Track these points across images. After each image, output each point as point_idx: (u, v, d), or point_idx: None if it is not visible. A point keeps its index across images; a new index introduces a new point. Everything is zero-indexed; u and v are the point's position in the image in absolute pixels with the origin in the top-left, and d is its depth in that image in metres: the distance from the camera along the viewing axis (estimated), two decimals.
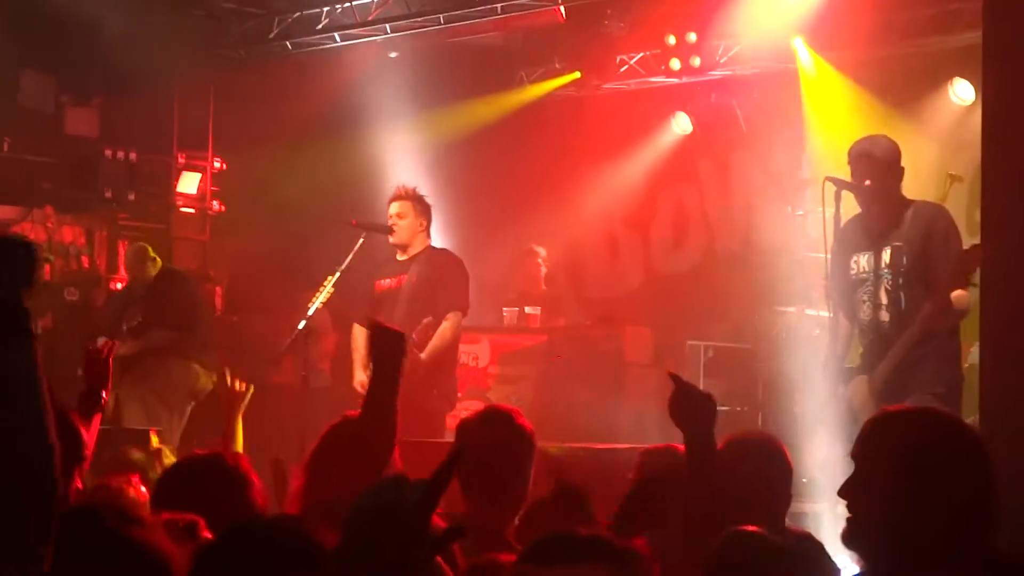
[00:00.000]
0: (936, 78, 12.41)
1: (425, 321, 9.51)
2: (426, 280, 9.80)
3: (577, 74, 14.19)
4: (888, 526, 3.62)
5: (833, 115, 12.45)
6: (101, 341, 12.10)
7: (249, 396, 6.70)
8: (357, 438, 4.94)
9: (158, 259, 12.14)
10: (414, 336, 9.40)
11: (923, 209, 8.19)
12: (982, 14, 6.37)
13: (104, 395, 6.33)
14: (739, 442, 5.53)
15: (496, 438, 5.36)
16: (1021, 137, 6.00)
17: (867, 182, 8.02)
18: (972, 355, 8.42)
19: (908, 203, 8.15)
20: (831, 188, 8.07)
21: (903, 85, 12.40)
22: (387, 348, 5.01)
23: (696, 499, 4.43)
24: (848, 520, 3.73)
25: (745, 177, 13.85)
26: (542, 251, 13.62)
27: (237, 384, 6.68)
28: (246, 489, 4.73)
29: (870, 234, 8.18)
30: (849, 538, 3.73)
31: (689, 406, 4.60)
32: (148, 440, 9.82)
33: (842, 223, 8.23)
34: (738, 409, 12.03)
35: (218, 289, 13.99)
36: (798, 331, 11.74)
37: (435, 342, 9.59)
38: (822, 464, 8.62)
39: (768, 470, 5.38)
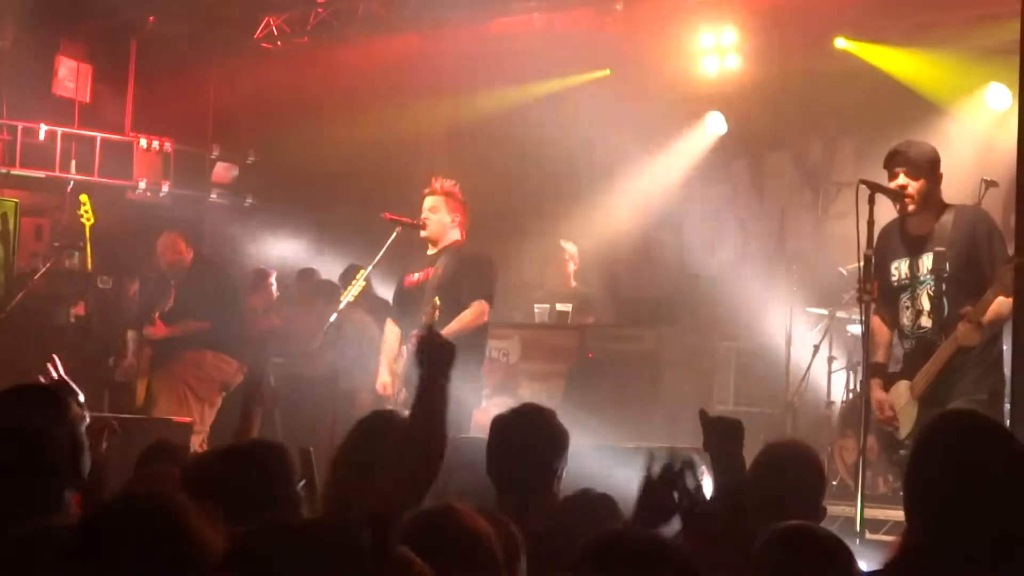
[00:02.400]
0: (972, 82, 12.36)
1: (432, 302, 9.38)
2: (451, 272, 9.76)
3: (607, 71, 14.18)
4: (937, 526, 3.64)
5: (870, 116, 12.40)
6: (132, 336, 12.23)
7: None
8: (405, 450, 4.88)
9: (192, 248, 12.16)
10: (423, 319, 9.30)
11: (964, 213, 8.13)
12: (1021, 22, 6.36)
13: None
14: (775, 449, 5.52)
15: (531, 437, 5.37)
16: None
17: (905, 186, 7.98)
18: None
19: (947, 207, 8.09)
20: (865, 191, 8.02)
21: (939, 88, 12.35)
22: (436, 356, 4.95)
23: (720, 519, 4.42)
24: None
25: (779, 179, 13.81)
26: (571, 247, 13.56)
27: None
28: (277, 481, 4.71)
29: (908, 239, 8.12)
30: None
31: (718, 433, 4.60)
32: (189, 431, 9.87)
33: (878, 227, 8.17)
34: (768, 411, 12.01)
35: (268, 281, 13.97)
36: (831, 334, 11.72)
37: (453, 325, 9.43)
38: (852, 468, 8.60)
39: (802, 479, 5.36)
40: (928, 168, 8.01)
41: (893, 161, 8.07)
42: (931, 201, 8.03)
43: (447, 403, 4.85)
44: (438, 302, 9.32)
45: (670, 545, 3.07)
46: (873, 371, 8.19)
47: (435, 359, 4.91)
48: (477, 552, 3.48)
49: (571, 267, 13.56)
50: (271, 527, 2.97)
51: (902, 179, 7.99)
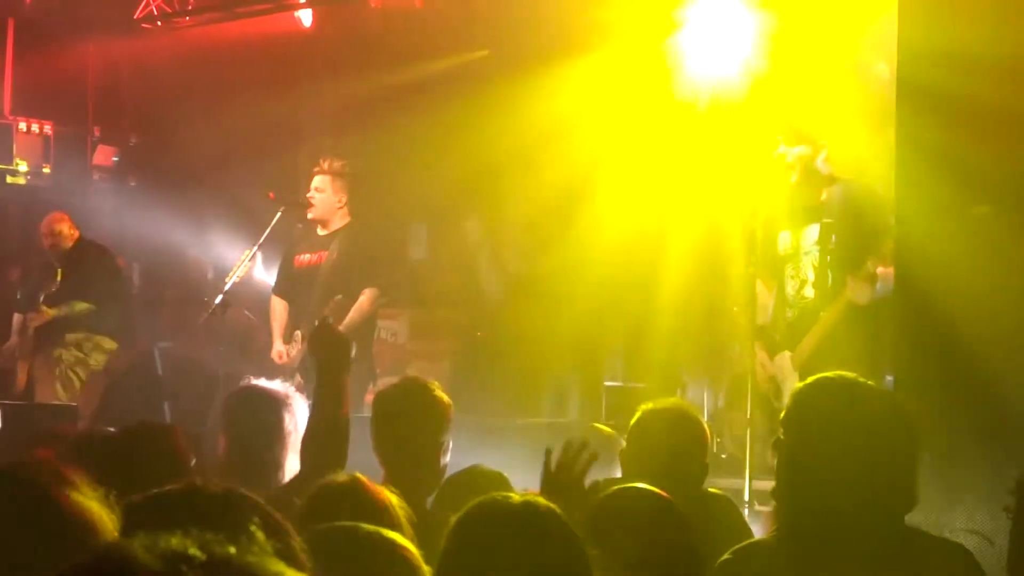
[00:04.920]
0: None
1: (336, 299, 9.45)
2: (346, 257, 9.75)
3: (486, 52, 14.16)
4: (812, 495, 3.66)
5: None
6: (17, 320, 12.05)
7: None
8: (308, 448, 4.87)
9: (76, 230, 12.02)
10: (326, 313, 9.36)
11: (852, 187, 8.23)
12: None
13: None
14: (652, 411, 5.56)
15: (413, 409, 5.36)
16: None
17: (792, 159, 8.06)
18: None
19: (835, 180, 8.18)
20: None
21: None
22: (331, 353, 4.94)
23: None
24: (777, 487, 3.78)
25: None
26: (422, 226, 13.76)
27: None
28: (182, 462, 4.67)
29: (795, 210, 8.21)
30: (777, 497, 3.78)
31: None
32: (75, 415, 9.75)
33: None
34: (657, 386, 12.06)
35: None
36: (715, 307, 11.79)
37: (352, 316, 9.53)
38: (741, 440, 8.67)
39: (681, 437, 5.39)
40: (809, 139, 8.09)
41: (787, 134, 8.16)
42: (814, 172, 8.11)
43: (346, 403, 4.84)
44: (342, 298, 9.38)
45: (542, 507, 3.09)
46: (757, 334, 8.29)
47: (332, 354, 4.89)
48: (384, 520, 3.48)
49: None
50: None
51: (781, 148, 8.07)
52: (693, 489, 5.28)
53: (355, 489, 3.84)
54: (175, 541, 1.43)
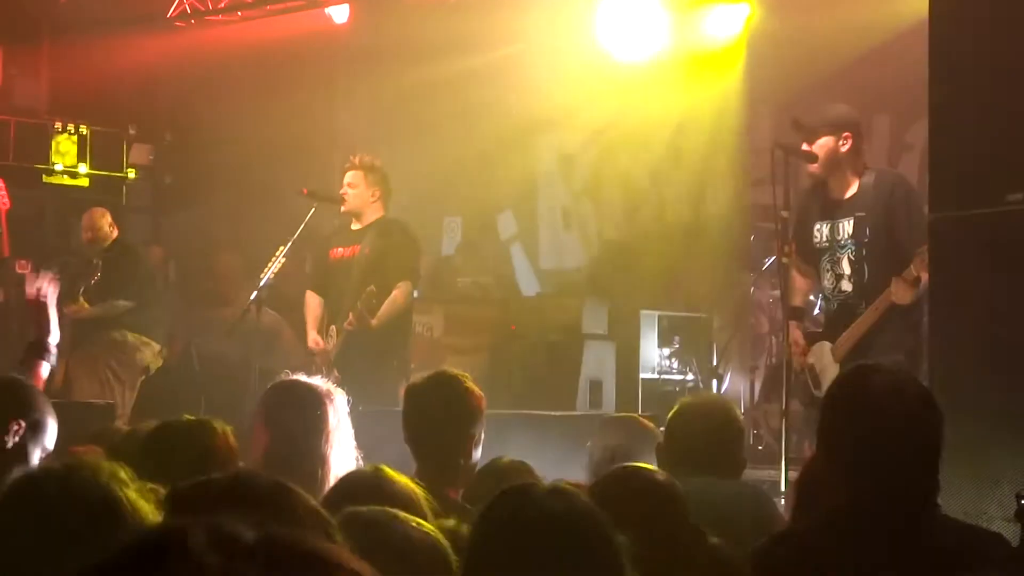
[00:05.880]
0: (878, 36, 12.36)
1: (369, 289, 9.45)
2: (378, 251, 9.76)
3: (520, 46, 14.15)
4: (844, 480, 3.67)
5: (787, 82, 12.43)
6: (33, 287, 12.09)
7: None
8: None
9: (116, 227, 12.07)
10: (359, 306, 9.39)
11: (884, 177, 8.20)
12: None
13: (51, 346, 6.18)
14: (689, 404, 5.55)
15: (444, 402, 5.36)
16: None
17: (816, 149, 8.04)
18: None
19: (867, 170, 8.15)
20: (780, 155, 8.08)
21: (852, 47, 12.35)
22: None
23: None
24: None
25: (696, 146, 13.83)
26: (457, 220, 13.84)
27: None
28: (230, 457, 4.67)
29: (830, 202, 8.18)
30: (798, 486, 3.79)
31: None
32: (112, 414, 9.78)
33: (795, 191, 8.23)
34: (691, 377, 12.07)
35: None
36: (752, 298, 11.78)
37: (385, 309, 9.54)
38: (777, 431, 8.65)
39: (718, 430, 5.38)
40: (842, 129, 8.06)
41: (807, 122, 8.13)
42: (846, 163, 8.08)
43: None
44: (374, 288, 9.39)
45: (569, 492, 3.09)
46: (791, 314, 8.27)
47: None
48: (408, 511, 3.48)
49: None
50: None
51: (819, 141, 8.05)
52: (730, 483, 5.27)
53: (379, 480, 3.84)
54: (226, 521, 1.43)
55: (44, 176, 14.43)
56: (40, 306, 6.15)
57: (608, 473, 4.15)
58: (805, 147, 8.11)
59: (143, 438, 4.89)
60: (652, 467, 4.25)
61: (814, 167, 8.13)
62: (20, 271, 12.92)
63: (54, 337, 6.04)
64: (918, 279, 7.70)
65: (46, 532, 2.91)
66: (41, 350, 5.98)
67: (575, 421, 9.14)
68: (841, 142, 8.06)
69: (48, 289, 6.29)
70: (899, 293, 7.80)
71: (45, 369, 5.80)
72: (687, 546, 3.92)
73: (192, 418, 4.90)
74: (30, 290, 6.28)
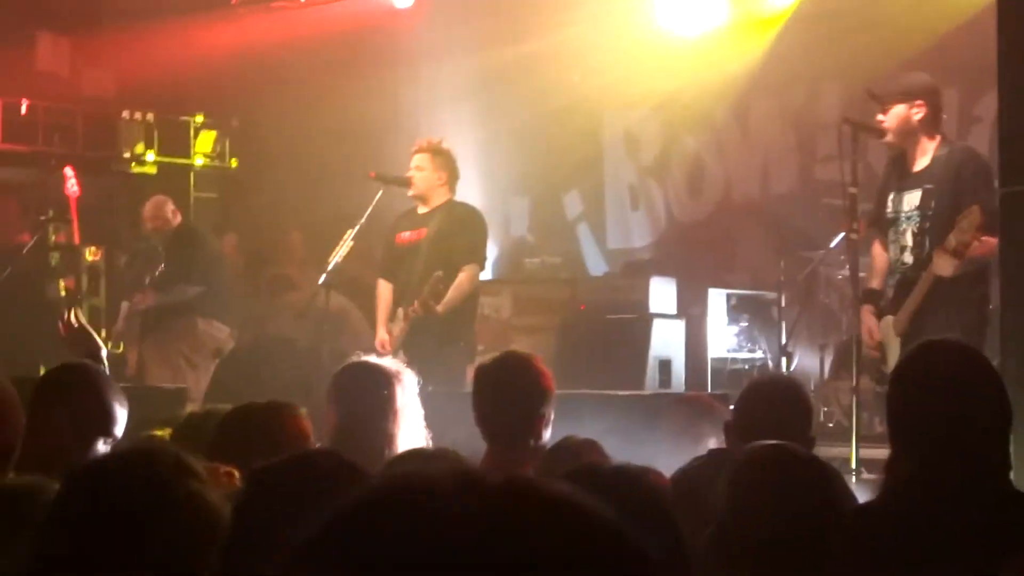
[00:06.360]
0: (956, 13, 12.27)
1: (436, 275, 9.46)
2: (445, 234, 9.77)
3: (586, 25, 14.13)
4: (919, 456, 3.66)
5: (854, 56, 12.35)
6: (125, 306, 12.20)
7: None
8: None
9: (179, 214, 12.16)
10: (426, 291, 9.40)
11: (956, 151, 8.12)
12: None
13: (103, 358, 6.26)
14: (758, 383, 5.54)
15: (513, 382, 5.37)
16: None
17: (888, 118, 7.97)
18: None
19: (942, 143, 8.07)
20: (848, 130, 8.03)
21: (922, 24, 12.27)
22: None
23: None
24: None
25: (763, 123, 13.78)
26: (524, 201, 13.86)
27: None
28: (303, 438, 4.70)
29: (904, 174, 8.12)
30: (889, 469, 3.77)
31: None
32: (184, 398, 9.87)
33: (862, 165, 8.17)
34: (760, 355, 12.03)
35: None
36: (820, 276, 11.71)
37: (452, 294, 9.54)
38: (848, 409, 8.61)
39: (786, 409, 5.33)
40: (911, 96, 7.98)
41: (885, 94, 8.06)
42: (920, 132, 8.01)
43: None
44: (441, 274, 9.40)
45: (635, 471, 3.08)
46: (866, 297, 8.21)
47: None
48: None
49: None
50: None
51: (892, 110, 7.97)
52: None
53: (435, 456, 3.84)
54: (467, 466, 1.43)
55: (112, 164, 14.55)
56: (81, 330, 6.29)
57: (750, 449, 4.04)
58: (880, 117, 8.03)
59: (218, 422, 4.92)
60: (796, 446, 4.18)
61: (889, 138, 8.05)
62: (91, 258, 13.04)
63: (103, 352, 6.17)
64: (958, 250, 7.61)
65: (104, 520, 2.93)
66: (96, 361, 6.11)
67: (644, 400, 9.12)
68: (914, 110, 7.98)
69: (78, 313, 6.46)
70: (940, 264, 7.70)
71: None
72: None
73: (266, 402, 4.93)
74: (63, 320, 6.40)
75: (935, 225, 7.90)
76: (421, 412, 5.37)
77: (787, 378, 5.75)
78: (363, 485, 1.45)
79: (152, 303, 11.80)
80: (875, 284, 8.24)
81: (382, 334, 9.80)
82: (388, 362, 5.61)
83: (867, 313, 8.14)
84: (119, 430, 4.94)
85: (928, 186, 7.95)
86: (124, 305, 12.26)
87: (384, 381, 5.35)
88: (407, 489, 1.42)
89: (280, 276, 13.68)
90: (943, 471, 3.61)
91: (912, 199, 8.02)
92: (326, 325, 10.23)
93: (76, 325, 6.33)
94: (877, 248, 8.29)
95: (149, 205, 12.08)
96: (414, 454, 4.39)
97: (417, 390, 5.42)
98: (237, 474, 3.47)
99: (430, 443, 5.22)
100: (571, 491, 1.43)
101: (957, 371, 3.73)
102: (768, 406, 5.26)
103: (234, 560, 2.67)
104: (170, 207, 12.04)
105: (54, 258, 13.50)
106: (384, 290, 10.01)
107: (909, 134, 8.01)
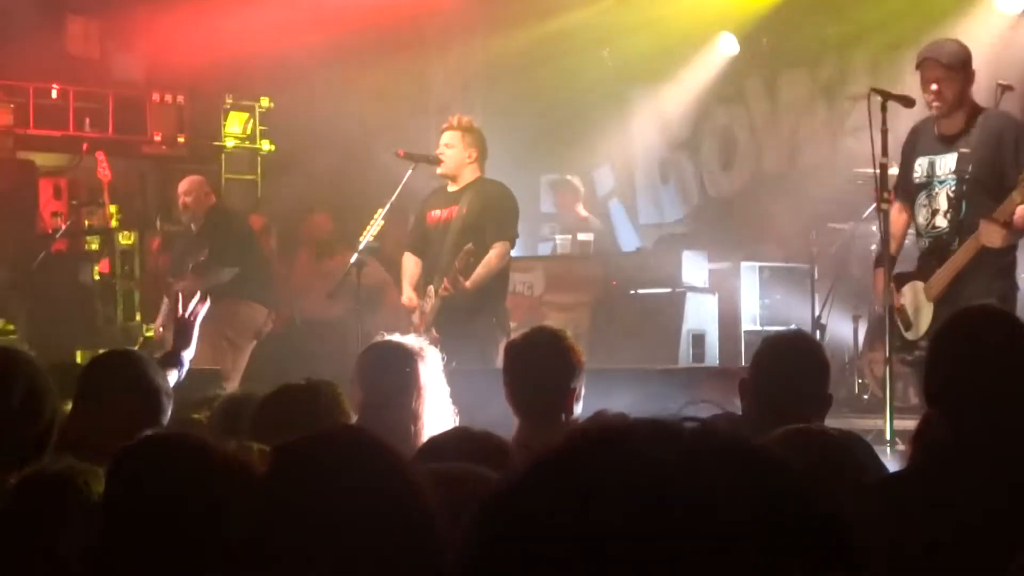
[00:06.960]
0: None
1: (467, 247, 9.47)
2: (475, 211, 9.77)
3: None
4: (958, 422, 3.66)
5: (882, 27, 12.32)
6: (171, 297, 12.24)
7: None
8: None
9: (212, 195, 12.16)
10: (456, 264, 9.41)
11: (993, 117, 8.10)
12: None
13: (185, 360, 6.32)
14: (769, 339, 5.52)
15: (544, 357, 5.39)
16: None
17: (923, 85, 7.95)
18: None
19: (979, 110, 8.05)
20: (877, 100, 8.01)
21: None
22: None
23: None
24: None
25: (793, 95, 13.75)
26: (576, 181, 13.82)
27: None
28: (341, 417, 4.73)
29: (936, 138, 8.08)
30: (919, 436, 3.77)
31: None
32: (220, 379, 9.91)
33: (892, 135, 8.14)
34: (793, 327, 12.00)
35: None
36: (852, 247, 11.69)
37: (480, 271, 9.54)
38: (881, 381, 8.60)
39: (797, 363, 5.29)
40: (956, 69, 7.94)
41: (922, 62, 8.03)
42: (961, 101, 7.98)
43: None
44: (472, 247, 9.41)
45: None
46: (879, 261, 8.21)
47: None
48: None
49: (576, 200, 13.80)
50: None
51: (930, 81, 7.93)
52: (813, 420, 5.19)
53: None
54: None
55: (144, 147, 14.59)
56: (189, 324, 6.37)
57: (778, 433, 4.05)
58: (929, 84, 7.99)
59: (258, 403, 4.96)
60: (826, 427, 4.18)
61: (933, 99, 8.00)
62: (124, 242, 13.09)
63: (189, 353, 6.24)
64: (1009, 221, 7.60)
65: (145, 505, 2.98)
66: (176, 361, 6.19)
67: (678, 374, 9.14)
68: (959, 79, 7.96)
69: (200, 311, 6.50)
70: (988, 235, 7.69)
71: (173, 376, 5.94)
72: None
73: (304, 381, 4.97)
74: (182, 310, 6.47)
75: (972, 189, 7.89)
76: (447, 389, 5.39)
77: (801, 334, 5.72)
78: (548, 446, 1.47)
79: (194, 288, 11.80)
80: (891, 249, 8.23)
81: (408, 292, 9.83)
82: (411, 339, 5.64)
83: (879, 275, 8.15)
84: (165, 419, 4.98)
85: (964, 150, 7.92)
86: (165, 301, 12.26)
87: (407, 358, 5.39)
88: (602, 439, 1.45)
89: (321, 243, 13.67)
90: (982, 438, 3.60)
91: (947, 163, 7.99)
92: (363, 299, 10.25)
93: (191, 319, 6.40)
94: (895, 212, 8.26)
95: (184, 183, 12.04)
96: (459, 431, 4.40)
97: (441, 367, 5.45)
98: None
99: (457, 420, 5.24)
100: (753, 441, 1.45)
101: (1003, 339, 3.75)
102: (784, 363, 5.23)
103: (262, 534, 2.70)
104: (204, 187, 12.03)
105: (88, 242, 13.56)
106: (409, 262, 10.03)
107: (959, 103, 7.98)
